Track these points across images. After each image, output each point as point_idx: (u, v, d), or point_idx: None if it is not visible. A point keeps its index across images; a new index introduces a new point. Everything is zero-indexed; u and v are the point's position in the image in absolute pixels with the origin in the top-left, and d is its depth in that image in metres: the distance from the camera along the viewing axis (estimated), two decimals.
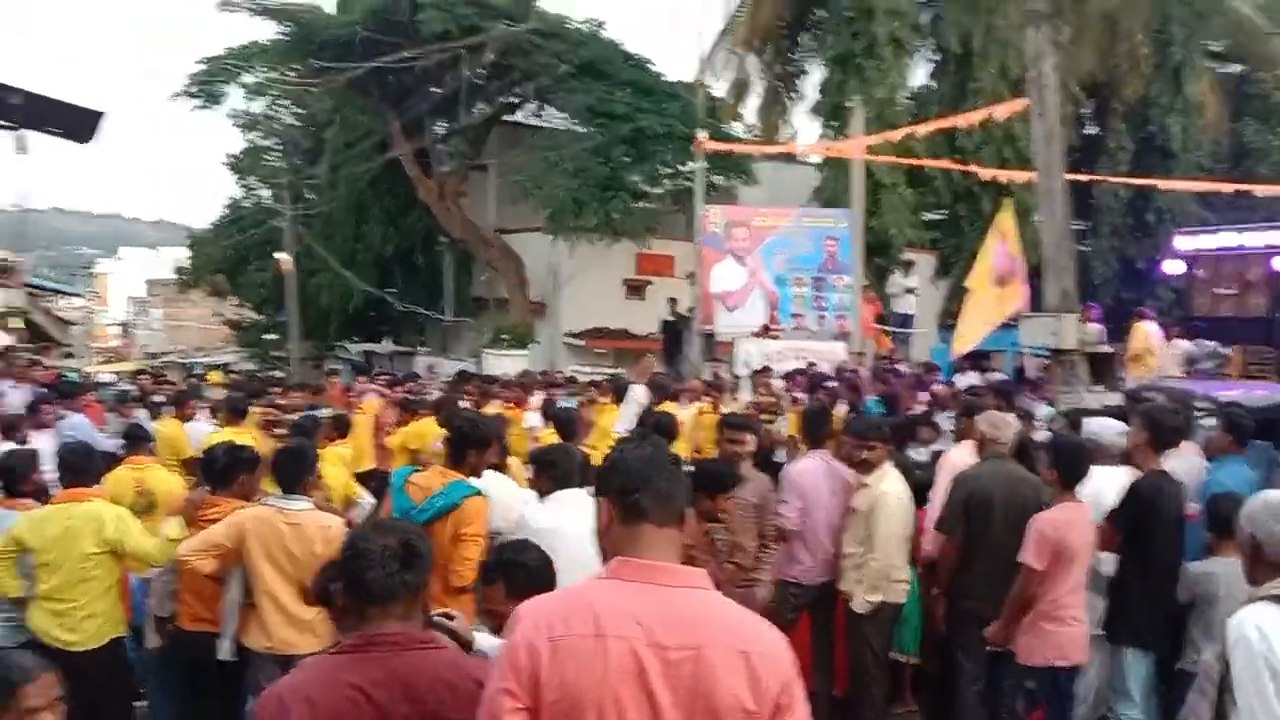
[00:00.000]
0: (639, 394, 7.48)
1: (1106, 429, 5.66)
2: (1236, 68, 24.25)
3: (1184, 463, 5.34)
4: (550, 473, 4.64)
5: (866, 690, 5.42)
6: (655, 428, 6.35)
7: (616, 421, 7.90)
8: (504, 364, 17.45)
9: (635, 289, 22.72)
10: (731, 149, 18.37)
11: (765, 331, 16.03)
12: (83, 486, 4.95)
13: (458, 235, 23.26)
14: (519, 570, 3.09)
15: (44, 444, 7.45)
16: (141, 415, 9.57)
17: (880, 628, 5.38)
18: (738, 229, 16.93)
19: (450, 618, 3.42)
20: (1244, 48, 22.95)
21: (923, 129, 13.97)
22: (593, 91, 19.73)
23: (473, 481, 4.70)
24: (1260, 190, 16.46)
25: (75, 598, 4.73)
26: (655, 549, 2.05)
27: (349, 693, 2.23)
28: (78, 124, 14.68)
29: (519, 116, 23.45)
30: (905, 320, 19.39)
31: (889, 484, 5.36)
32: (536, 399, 10.52)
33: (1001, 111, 13.21)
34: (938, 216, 22.41)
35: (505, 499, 4.94)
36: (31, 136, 14.27)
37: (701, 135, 17.23)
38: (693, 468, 4.90)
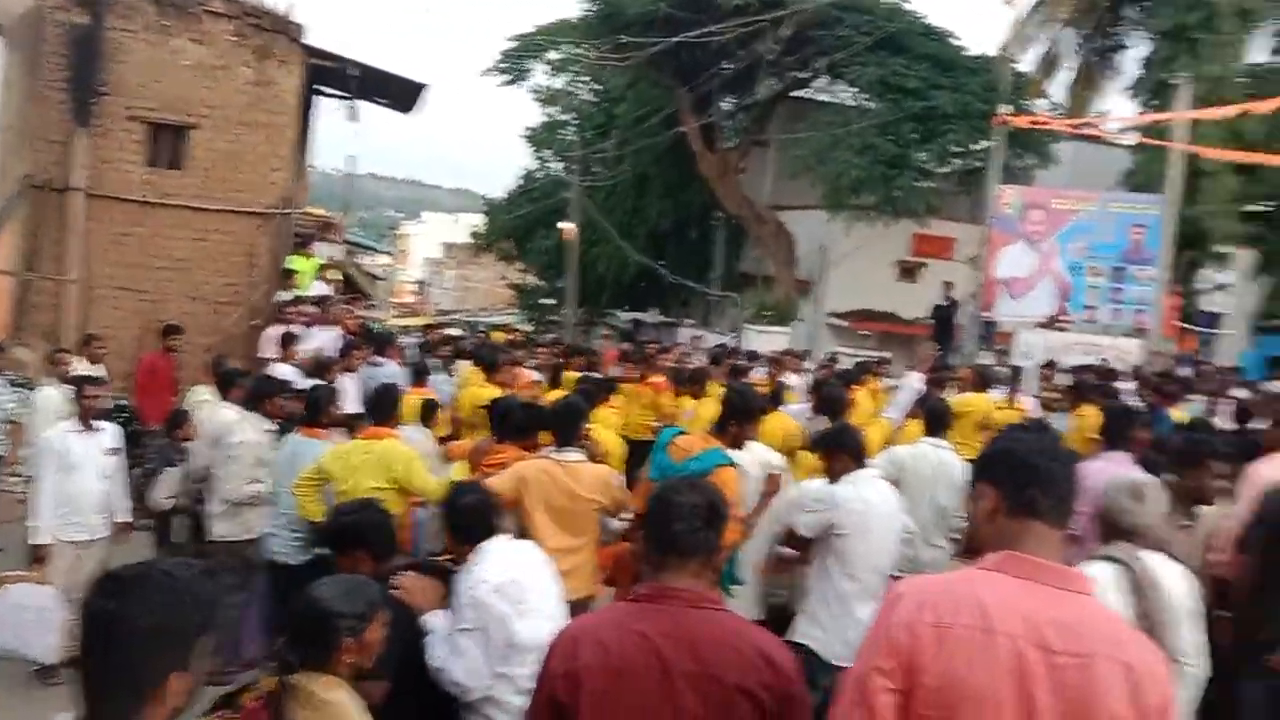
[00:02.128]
0: (914, 381, 7.20)
1: None
2: None
3: None
4: (848, 452, 4.60)
5: None
6: (931, 416, 6.11)
7: (887, 408, 7.66)
8: (764, 340, 17.39)
9: (908, 271, 21.95)
10: (1036, 125, 17.19)
11: (1052, 322, 15.02)
12: (385, 426, 5.39)
13: (733, 210, 23.36)
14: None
15: (349, 386, 8.22)
16: (434, 364, 10.37)
17: None
18: (1034, 211, 15.90)
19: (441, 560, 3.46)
20: None
21: (1261, 106, 12.39)
22: (888, 65, 19.10)
23: (730, 452, 4.69)
24: None
25: None
26: (1044, 548, 1.96)
27: (638, 640, 2.26)
28: (404, 95, 15.82)
29: (806, 92, 23.17)
30: (1212, 320, 17.54)
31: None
32: (794, 378, 10.45)
33: None
34: (1265, 208, 20.04)
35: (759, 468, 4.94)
36: (362, 106, 15.57)
37: (1002, 111, 16.28)
38: None
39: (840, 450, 4.64)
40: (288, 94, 13.29)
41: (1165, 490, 4.13)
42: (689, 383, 9.20)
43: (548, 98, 30.07)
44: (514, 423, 5.20)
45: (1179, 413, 8.43)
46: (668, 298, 27.42)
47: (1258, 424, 7.11)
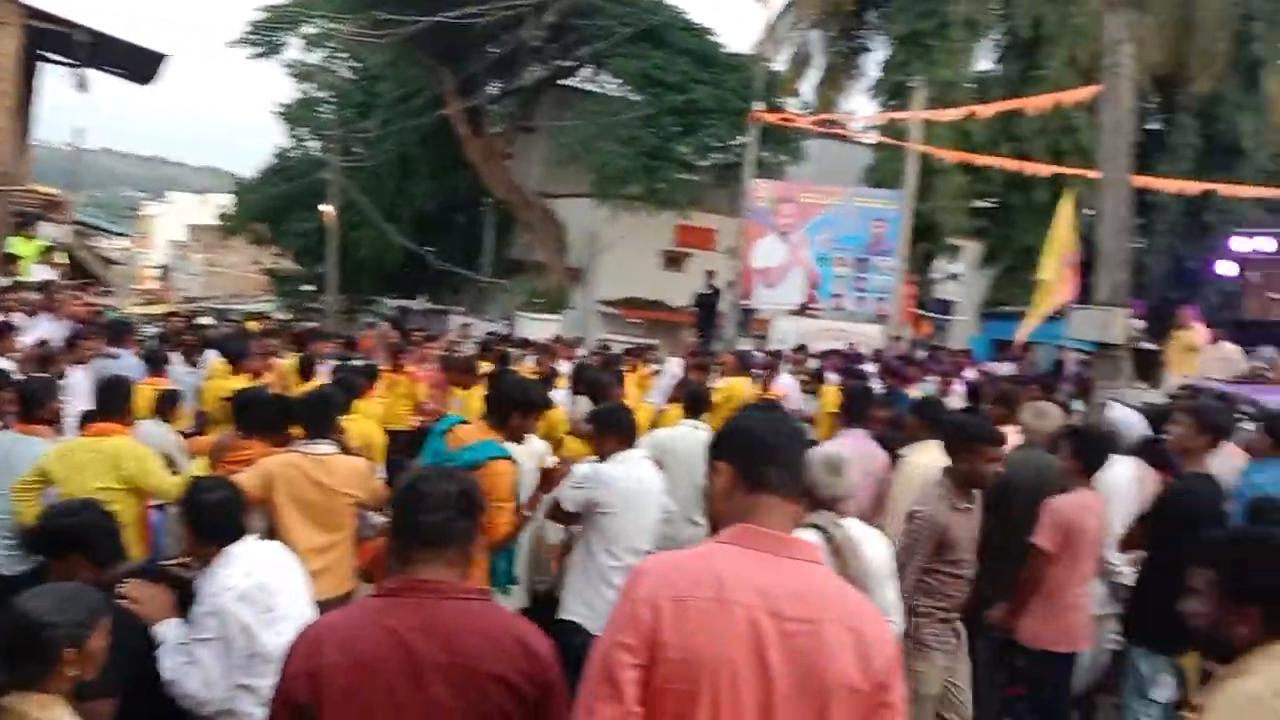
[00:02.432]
0: (675, 366, 7.40)
1: (1128, 421, 5.75)
2: None
3: (1220, 463, 5.19)
4: (618, 432, 4.64)
5: None
6: (690, 399, 6.28)
7: (649, 392, 7.83)
8: (536, 328, 17.44)
9: (673, 260, 22.60)
10: (788, 123, 18.08)
11: (803, 310, 15.89)
12: (114, 422, 4.94)
13: (501, 196, 23.21)
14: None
15: (80, 379, 7.52)
16: (176, 357, 9.66)
17: None
18: (785, 205, 16.75)
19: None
20: None
21: (985, 110, 13.64)
22: (650, 59, 19.54)
23: (507, 445, 4.61)
24: None
25: None
26: (777, 520, 2.04)
27: (386, 635, 2.17)
28: (141, 65, 14.68)
29: (573, 81, 23.29)
30: (945, 307, 19.16)
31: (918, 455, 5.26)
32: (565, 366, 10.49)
33: (1072, 98, 12.87)
34: (989, 204, 22.05)
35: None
36: (92, 76, 14.31)
37: (757, 108, 17.01)
38: None
39: (612, 430, 4.68)
40: (5, 58, 12.08)
41: (946, 475, 4.43)
42: (458, 371, 9.04)
43: (303, 73, 28.59)
44: (259, 415, 4.90)
45: (915, 392, 9.11)
46: (437, 285, 26.87)
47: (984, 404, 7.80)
